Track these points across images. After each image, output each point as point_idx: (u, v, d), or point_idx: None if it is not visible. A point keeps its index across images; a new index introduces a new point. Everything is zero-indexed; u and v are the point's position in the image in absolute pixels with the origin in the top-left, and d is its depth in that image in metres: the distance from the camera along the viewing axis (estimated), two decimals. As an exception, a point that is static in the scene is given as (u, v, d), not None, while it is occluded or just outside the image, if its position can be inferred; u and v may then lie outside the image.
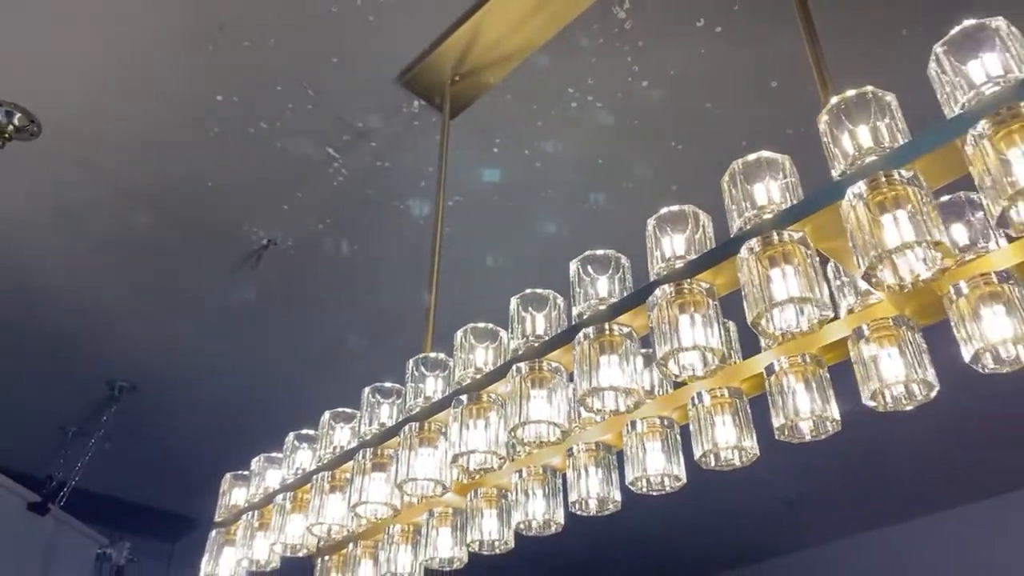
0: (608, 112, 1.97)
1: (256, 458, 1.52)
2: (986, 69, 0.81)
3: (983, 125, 0.76)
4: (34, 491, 2.90)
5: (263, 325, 2.71)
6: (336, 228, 2.33)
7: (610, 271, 1.06)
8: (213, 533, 1.52)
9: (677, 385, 1.16)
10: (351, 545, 1.50)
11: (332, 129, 2.04)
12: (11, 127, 2.02)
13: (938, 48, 0.85)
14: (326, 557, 1.56)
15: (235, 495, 1.55)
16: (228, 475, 1.57)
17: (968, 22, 0.84)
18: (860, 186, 0.81)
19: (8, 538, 2.59)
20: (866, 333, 1.01)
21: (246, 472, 1.55)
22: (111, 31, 1.80)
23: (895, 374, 0.99)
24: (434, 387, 1.22)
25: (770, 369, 1.08)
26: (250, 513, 1.44)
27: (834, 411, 1.05)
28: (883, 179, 0.80)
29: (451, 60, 1.84)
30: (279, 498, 1.39)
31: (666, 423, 1.14)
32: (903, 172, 0.80)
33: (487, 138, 2.05)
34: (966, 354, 0.90)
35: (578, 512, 1.21)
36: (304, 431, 1.44)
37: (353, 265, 2.45)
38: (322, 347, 2.79)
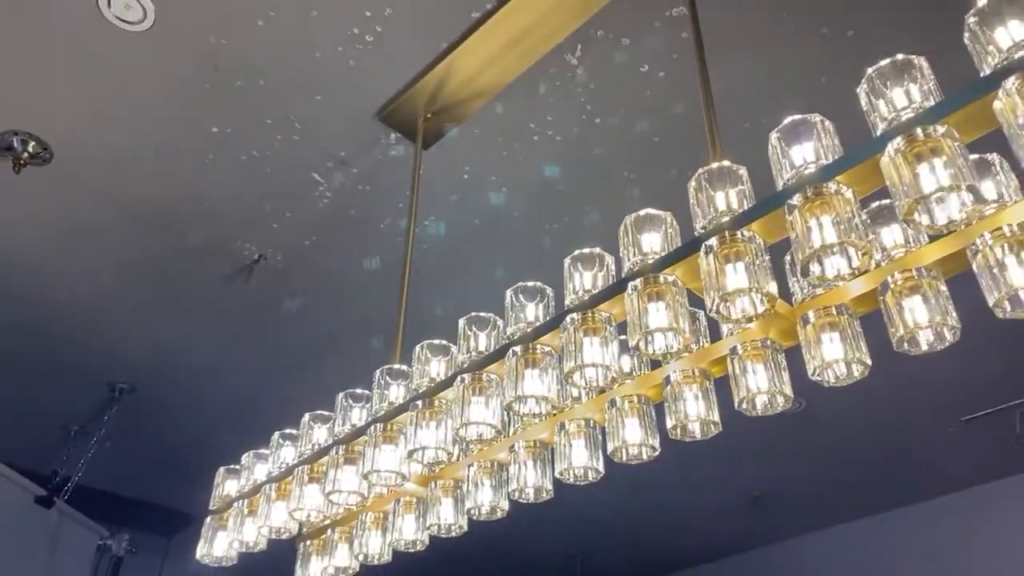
0: (565, 144, 2.19)
1: (246, 454, 1.73)
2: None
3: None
4: (40, 486, 3.11)
5: (253, 332, 2.93)
6: (321, 244, 2.54)
7: (537, 299, 1.27)
8: (208, 519, 1.73)
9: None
10: (329, 531, 1.71)
11: (317, 157, 2.25)
12: (25, 154, 2.23)
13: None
14: (308, 542, 1.77)
15: (228, 486, 1.76)
16: (221, 469, 1.79)
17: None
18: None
19: (16, 529, 2.80)
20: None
21: (237, 466, 1.76)
22: (119, 70, 2.01)
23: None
24: (396, 393, 1.43)
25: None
26: (240, 502, 1.65)
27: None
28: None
29: (424, 99, 2.05)
30: (265, 488, 1.61)
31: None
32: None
33: (457, 166, 2.27)
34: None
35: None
36: (288, 430, 1.66)
37: (336, 278, 2.67)
38: (307, 351, 3.01)
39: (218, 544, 1.69)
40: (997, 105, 0.88)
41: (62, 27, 1.90)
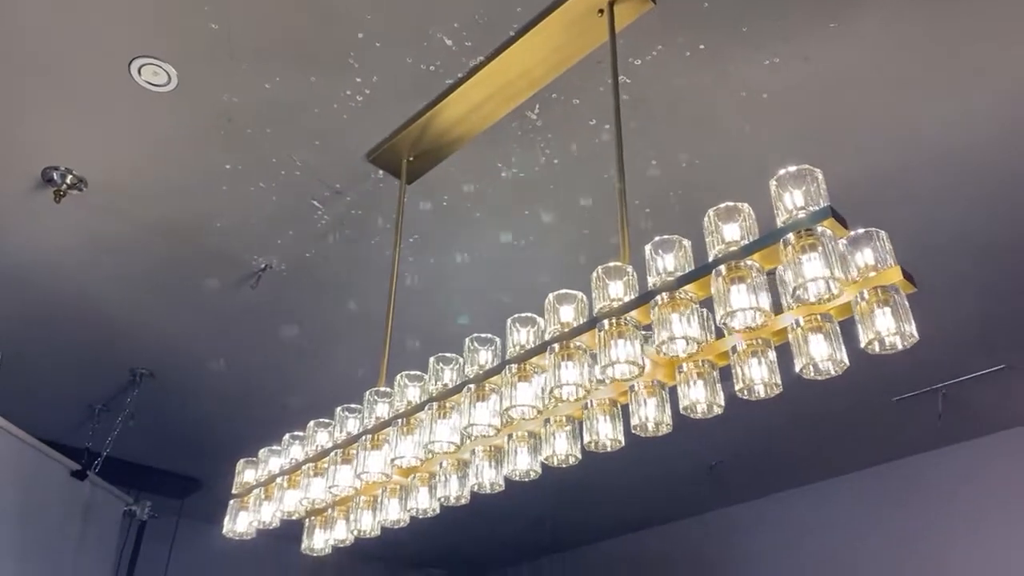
0: (528, 180, 2.56)
1: (262, 449, 2.13)
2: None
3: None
4: (68, 456, 3.51)
5: (260, 329, 3.32)
6: (319, 257, 2.92)
7: (488, 345, 1.65)
8: (232, 502, 2.14)
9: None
10: (330, 510, 2.12)
11: (315, 188, 2.61)
12: (65, 185, 2.59)
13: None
14: (313, 517, 2.18)
15: (246, 475, 2.16)
16: (241, 460, 2.19)
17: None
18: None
19: (55, 500, 3.21)
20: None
21: (254, 459, 2.16)
22: (146, 120, 2.36)
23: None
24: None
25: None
26: (258, 489, 2.06)
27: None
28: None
29: (406, 146, 2.41)
30: (279, 480, 2.01)
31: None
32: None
33: (437, 196, 2.64)
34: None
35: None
36: (296, 432, 2.06)
37: (332, 285, 3.06)
38: (306, 346, 3.41)
39: (240, 522, 2.10)
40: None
41: (98, 86, 2.25)
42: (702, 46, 2.13)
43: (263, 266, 2.96)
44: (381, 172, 2.53)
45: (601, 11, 2.01)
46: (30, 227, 2.78)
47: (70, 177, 2.57)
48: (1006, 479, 3.92)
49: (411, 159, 2.45)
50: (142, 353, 3.52)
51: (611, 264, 1.45)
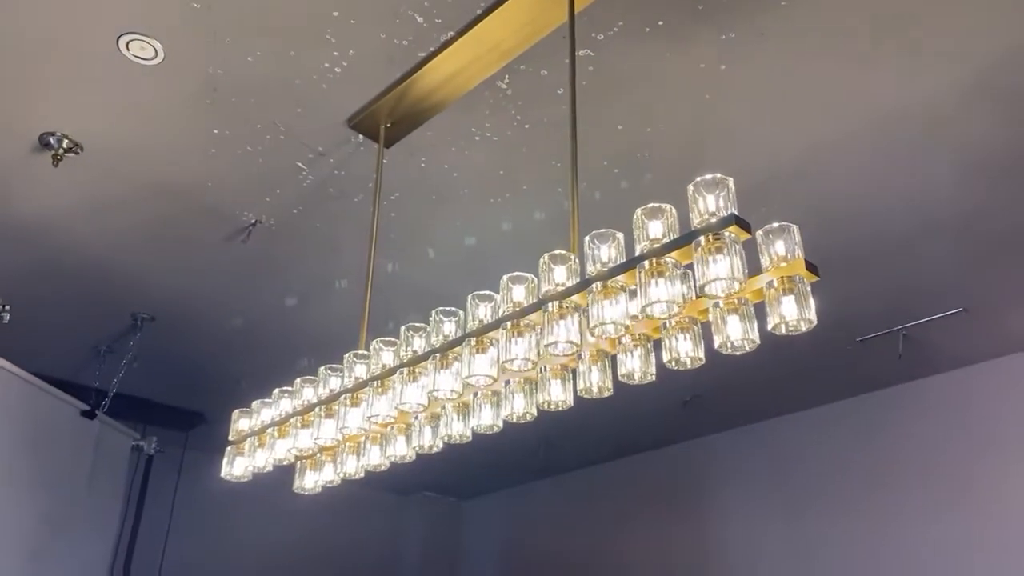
0: (501, 143, 2.69)
1: (255, 401, 2.34)
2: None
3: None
4: (74, 396, 3.73)
5: (252, 277, 3.50)
6: (305, 213, 3.07)
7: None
8: (228, 448, 2.36)
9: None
10: (319, 454, 2.33)
11: (299, 151, 2.75)
12: (61, 149, 2.73)
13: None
14: (303, 460, 2.40)
15: (241, 423, 2.38)
16: (236, 411, 2.40)
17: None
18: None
19: (68, 439, 3.45)
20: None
21: (248, 409, 2.37)
22: (135, 90, 2.49)
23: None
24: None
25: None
26: (252, 438, 2.27)
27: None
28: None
29: (384, 113, 2.54)
30: (270, 430, 2.22)
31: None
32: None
33: (415, 158, 2.78)
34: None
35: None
36: (285, 387, 2.25)
37: (317, 238, 3.22)
38: (294, 293, 3.61)
39: (237, 466, 2.32)
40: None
41: (89, 57, 2.37)
42: (660, 22, 2.24)
43: (253, 221, 3.12)
44: (361, 138, 2.67)
45: (563, -10, 2.11)
46: (32, 188, 2.93)
47: (66, 142, 2.71)
48: (962, 412, 4.16)
49: (388, 125, 2.58)
50: (143, 299, 3.71)
51: (557, 252, 1.62)
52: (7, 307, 3.16)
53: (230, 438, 2.38)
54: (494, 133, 2.66)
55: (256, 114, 2.58)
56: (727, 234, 1.38)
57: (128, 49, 2.34)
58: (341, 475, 2.25)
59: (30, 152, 2.74)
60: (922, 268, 3.39)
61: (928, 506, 4.12)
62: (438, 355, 1.78)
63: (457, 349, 1.76)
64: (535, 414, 1.86)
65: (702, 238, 1.40)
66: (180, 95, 2.51)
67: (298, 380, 2.22)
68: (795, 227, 1.50)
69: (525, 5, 2.17)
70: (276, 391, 2.27)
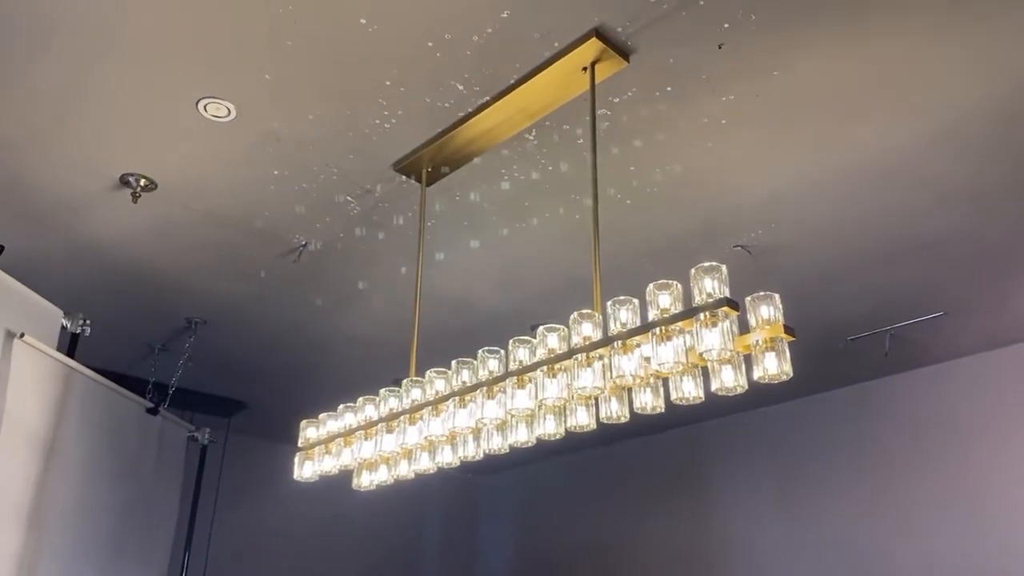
0: (528, 183, 3.05)
1: (323, 414, 2.73)
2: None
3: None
4: (131, 390, 4.13)
5: (298, 291, 3.89)
6: (350, 238, 3.44)
7: (497, 355, 2.20)
8: (298, 454, 2.76)
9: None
10: (376, 459, 2.73)
11: (349, 187, 3.11)
12: (139, 187, 3.10)
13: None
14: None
15: (309, 432, 2.77)
16: (304, 421, 2.79)
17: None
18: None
19: (135, 433, 3.86)
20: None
21: (315, 419, 2.77)
22: (208, 140, 2.85)
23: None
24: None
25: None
26: (320, 446, 2.67)
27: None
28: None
29: (426, 159, 2.90)
30: (335, 441, 2.61)
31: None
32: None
33: (452, 193, 3.14)
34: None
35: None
36: (349, 404, 2.64)
37: (361, 260, 3.60)
38: (336, 304, 3.99)
39: (306, 469, 2.72)
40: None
41: (170, 114, 2.72)
42: (669, 88, 2.59)
43: (303, 243, 3.50)
44: (404, 178, 3.03)
45: (585, 68, 2.46)
46: (110, 216, 3.31)
47: (143, 181, 3.08)
48: (941, 403, 4.56)
49: (430, 169, 2.94)
50: (197, 305, 4.11)
51: (584, 311, 2.01)
52: (87, 321, 3.55)
53: (299, 444, 2.78)
54: (520, 173, 3.01)
55: (312, 159, 2.94)
56: (720, 312, 1.76)
57: (206, 110, 2.70)
58: (394, 476, 2.65)
59: (111, 189, 3.12)
60: (905, 279, 3.76)
61: (911, 477, 4.54)
62: (485, 388, 2.17)
63: (501, 383, 2.15)
64: (563, 434, 2.25)
65: (701, 315, 1.79)
66: (246, 144, 2.87)
67: (360, 398, 2.61)
68: (776, 296, 1.87)
69: (551, 79, 2.52)
70: (341, 406, 2.66)
